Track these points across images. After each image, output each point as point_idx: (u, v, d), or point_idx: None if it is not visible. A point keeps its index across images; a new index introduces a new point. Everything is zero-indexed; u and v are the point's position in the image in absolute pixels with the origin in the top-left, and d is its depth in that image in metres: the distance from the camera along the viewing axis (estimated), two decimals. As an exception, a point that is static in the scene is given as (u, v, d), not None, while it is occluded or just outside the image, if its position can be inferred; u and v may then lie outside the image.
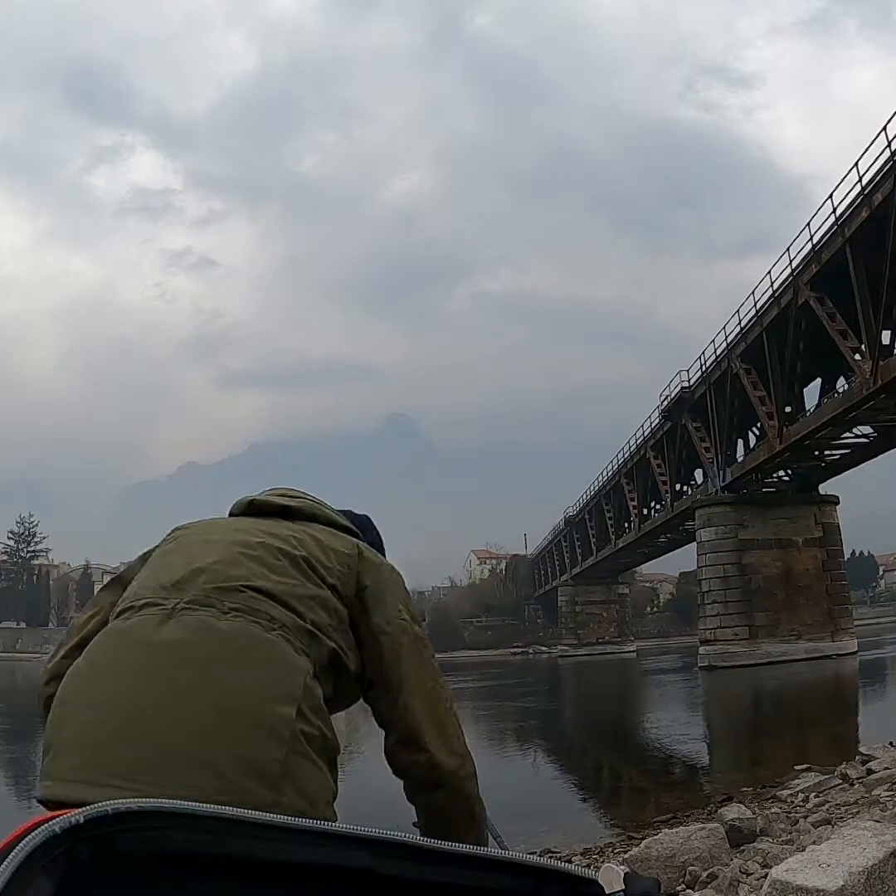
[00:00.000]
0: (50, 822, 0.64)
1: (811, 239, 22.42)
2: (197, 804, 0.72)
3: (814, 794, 7.67)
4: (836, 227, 20.92)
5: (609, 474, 46.25)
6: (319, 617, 1.15)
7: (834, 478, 31.28)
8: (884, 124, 18.63)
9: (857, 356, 20.94)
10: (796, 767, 9.41)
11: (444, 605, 79.08)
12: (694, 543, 32.18)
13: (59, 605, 79.59)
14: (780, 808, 7.38)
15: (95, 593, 1.39)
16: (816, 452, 28.20)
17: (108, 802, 0.68)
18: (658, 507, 39.50)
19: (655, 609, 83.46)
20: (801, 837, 5.44)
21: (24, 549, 79.32)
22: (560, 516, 62.70)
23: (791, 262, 23.49)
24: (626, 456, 41.78)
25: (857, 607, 42.64)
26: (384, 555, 1.43)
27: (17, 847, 0.62)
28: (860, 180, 19.84)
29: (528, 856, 0.85)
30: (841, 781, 7.90)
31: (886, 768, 7.76)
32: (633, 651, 58.09)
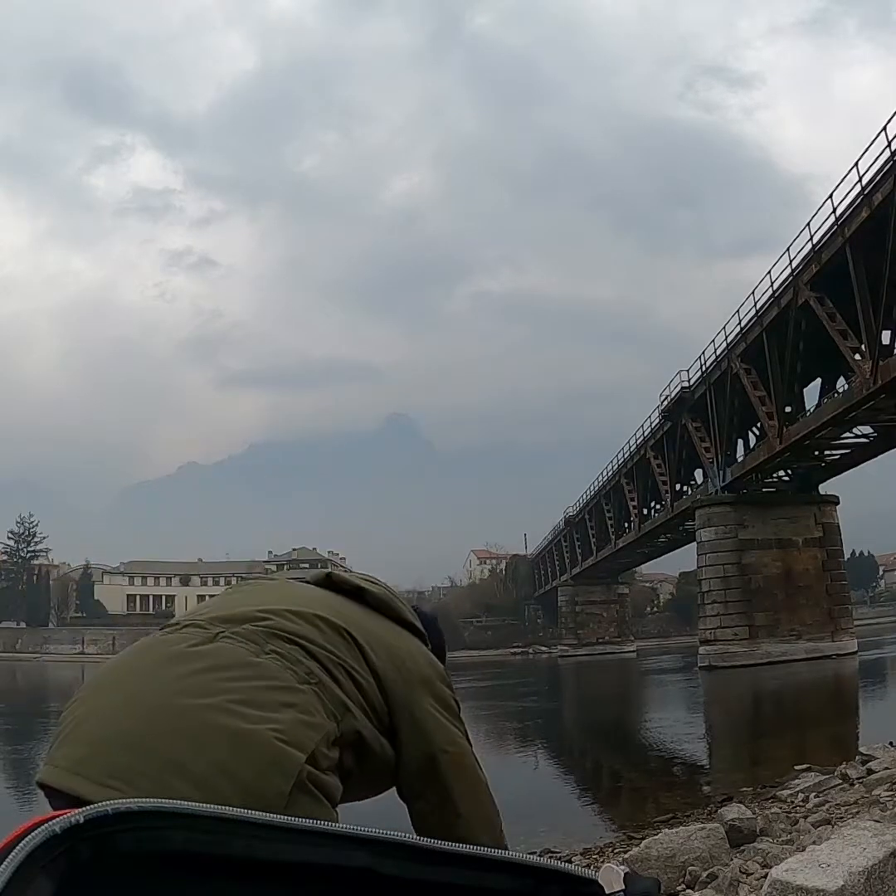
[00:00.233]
0: (50, 822, 0.64)
1: (811, 239, 22.42)
2: (197, 804, 0.72)
3: (814, 794, 7.67)
4: (836, 227, 20.92)
5: (609, 474, 46.26)
6: (356, 696, 1.14)
7: (834, 478, 31.29)
8: (884, 124, 18.66)
9: (857, 356, 20.94)
10: (796, 767, 9.41)
11: (444, 605, 79.01)
12: (694, 543, 32.19)
13: (59, 605, 79.56)
14: (780, 808, 7.38)
15: None
16: (816, 452, 28.19)
17: (108, 802, 0.68)
18: (658, 507, 39.49)
19: (655, 609, 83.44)
20: (801, 837, 5.44)
21: (24, 549, 79.26)
22: (560, 516, 62.79)
23: (791, 262, 23.51)
24: (626, 456, 41.80)
25: (857, 607, 42.64)
26: (445, 653, 1.46)
27: (18, 847, 0.62)
28: (860, 180, 19.84)
29: (528, 856, 0.85)
30: (841, 781, 7.90)
31: (886, 768, 7.76)
32: (633, 651, 58.09)
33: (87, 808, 0.67)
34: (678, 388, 32.58)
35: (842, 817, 6.08)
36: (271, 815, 0.75)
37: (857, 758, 8.65)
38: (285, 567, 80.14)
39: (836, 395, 24.65)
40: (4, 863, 0.61)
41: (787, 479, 31.62)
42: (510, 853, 0.84)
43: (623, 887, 0.81)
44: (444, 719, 1.25)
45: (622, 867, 0.84)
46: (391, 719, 1.19)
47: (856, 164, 19.89)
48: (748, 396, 26.99)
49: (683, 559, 48.98)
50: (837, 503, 31.34)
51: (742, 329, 27.17)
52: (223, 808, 0.72)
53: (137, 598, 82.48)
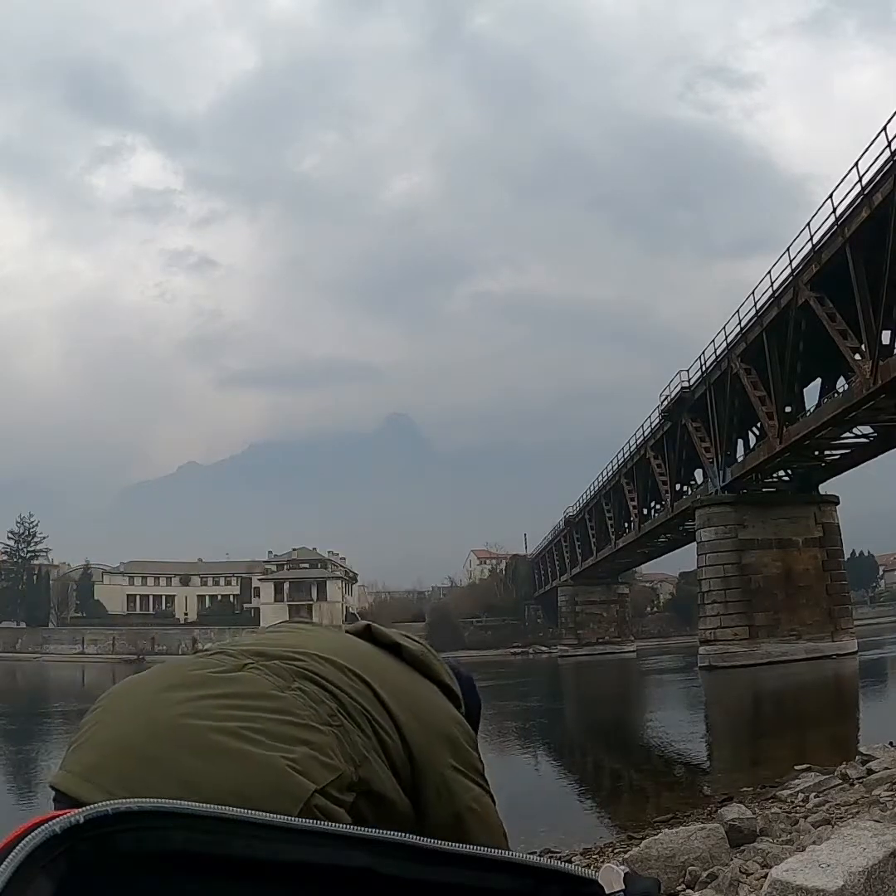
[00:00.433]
0: (50, 822, 0.64)
1: (811, 239, 22.42)
2: (197, 804, 0.72)
3: (814, 794, 7.67)
4: (836, 227, 20.91)
5: (609, 474, 46.25)
6: (377, 748, 1.14)
7: (834, 478, 31.27)
8: (884, 124, 18.66)
9: (857, 356, 20.93)
10: (796, 767, 9.41)
11: (444, 605, 79.14)
12: (694, 543, 32.18)
13: (59, 606, 79.49)
14: (780, 808, 7.38)
15: None
16: (816, 452, 28.18)
17: (108, 802, 0.68)
18: (658, 507, 39.48)
19: (655, 609, 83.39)
20: (801, 837, 5.44)
21: (24, 549, 79.21)
22: (560, 516, 62.79)
23: (791, 262, 23.51)
24: (626, 456, 41.79)
25: (857, 607, 42.64)
26: (479, 717, 1.45)
27: (18, 847, 0.62)
28: (860, 180, 19.84)
29: (528, 856, 0.85)
30: (841, 781, 7.90)
31: (886, 768, 7.76)
32: (633, 651, 58.08)
33: (87, 808, 0.67)
34: (678, 388, 32.57)
35: (842, 817, 6.08)
36: (271, 815, 0.75)
37: (857, 758, 8.65)
38: (285, 567, 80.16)
39: (836, 395, 24.64)
40: (4, 863, 0.61)
41: (787, 479, 31.62)
42: (510, 853, 0.84)
43: (623, 887, 0.81)
44: (467, 779, 1.25)
45: (622, 867, 0.84)
46: (414, 778, 1.19)
47: (856, 164, 19.91)
48: (748, 396, 26.98)
49: (683, 559, 49.00)
50: (837, 503, 31.34)
51: (742, 329, 27.16)
52: (223, 808, 0.72)
53: (137, 598, 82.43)
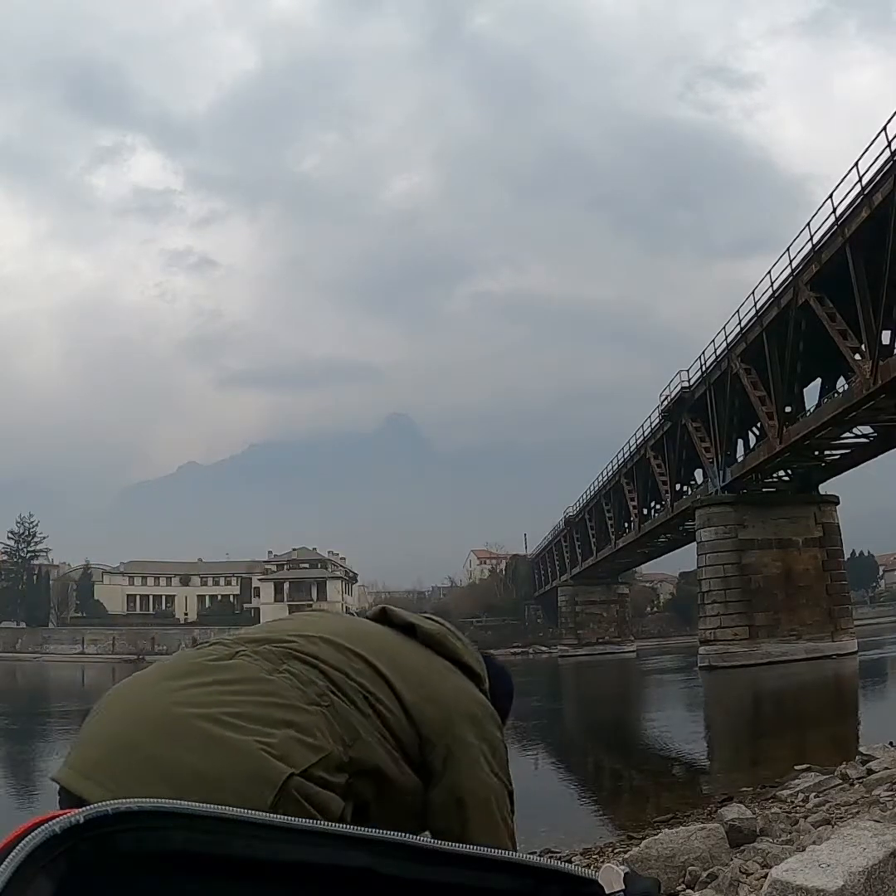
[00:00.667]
0: (50, 822, 0.64)
1: (811, 239, 22.41)
2: (197, 804, 0.72)
3: (814, 794, 7.66)
4: (836, 227, 20.91)
5: (609, 474, 46.25)
6: (376, 725, 1.13)
7: (834, 478, 31.27)
8: (884, 124, 18.65)
9: (857, 356, 20.93)
10: (796, 767, 9.40)
11: (444, 605, 78.98)
12: (694, 543, 32.18)
13: (59, 605, 79.47)
14: (780, 808, 7.38)
15: None
16: (816, 452, 28.18)
17: (108, 802, 0.68)
18: (658, 507, 39.49)
19: (655, 609, 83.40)
20: (801, 837, 5.44)
21: (24, 549, 79.17)
22: (560, 516, 62.76)
23: (791, 262, 23.50)
24: (626, 456, 41.78)
25: (857, 607, 42.65)
26: (509, 705, 1.43)
27: (18, 847, 0.62)
28: (860, 180, 19.83)
29: (528, 856, 0.85)
30: (841, 781, 7.90)
31: (886, 768, 7.75)
32: (633, 651, 58.08)
33: (87, 808, 0.67)
34: (678, 388, 32.57)
35: (842, 817, 6.08)
36: (271, 815, 0.75)
37: (857, 758, 8.65)
38: (285, 567, 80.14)
39: (836, 395, 24.64)
40: (4, 863, 0.61)
41: (787, 479, 31.61)
42: (510, 853, 0.84)
43: (623, 887, 0.82)
44: (483, 759, 1.22)
45: (622, 867, 0.84)
46: (423, 755, 1.18)
47: (856, 164, 19.91)
48: (748, 396, 26.98)
49: (683, 559, 49.00)
50: (837, 503, 31.33)
51: (742, 329, 27.16)
52: (223, 808, 0.72)
53: (137, 598, 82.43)
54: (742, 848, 5.36)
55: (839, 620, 29.71)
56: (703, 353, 30.77)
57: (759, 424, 28.57)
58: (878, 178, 19.12)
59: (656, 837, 5.54)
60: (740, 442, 31.62)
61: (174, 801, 0.71)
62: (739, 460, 30.58)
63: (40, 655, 66.73)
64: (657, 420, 35.49)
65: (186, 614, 79.41)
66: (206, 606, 79.85)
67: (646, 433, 37.48)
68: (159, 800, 0.71)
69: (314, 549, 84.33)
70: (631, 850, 5.89)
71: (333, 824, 0.76)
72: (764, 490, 31.60)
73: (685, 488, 36.54)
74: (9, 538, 78.88)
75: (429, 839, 0.80)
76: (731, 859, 5.07)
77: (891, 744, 9.31)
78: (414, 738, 1.17)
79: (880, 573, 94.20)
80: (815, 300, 22.06)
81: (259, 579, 78.25)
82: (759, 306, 25.90)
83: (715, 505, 30.48)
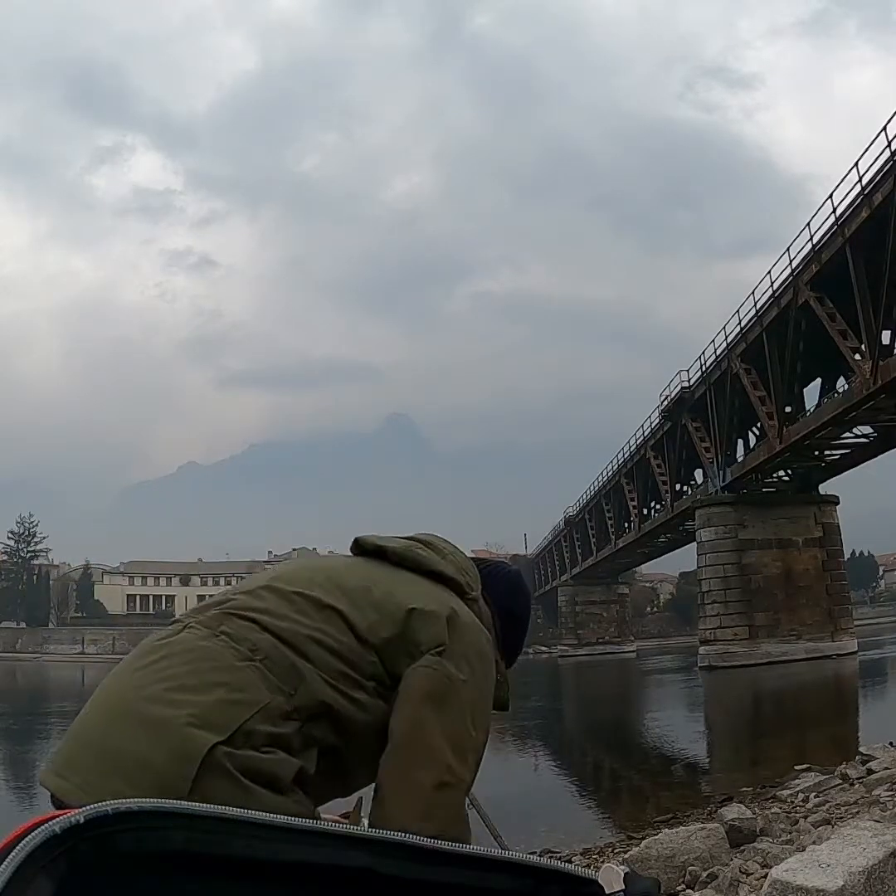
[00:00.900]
0: (50, 822, 0.64)
1: (811, 239, 22.41)
2: (197, 804, 0.72)
3: (814, 794, 7.66)
4: (836, 227, 20.91)
5: (609, 474, 46.24)
6: (322, 660, 1.10)
7: (834, 478, 31.28)
8: (884, 124, 18.65)
9: (857, 356, 20.93)
10: (796, 767, 9.40)
11: (444, 605, 79.06)
12: (694, 543, 32.18)
13: (59, 605, 79.51)
14: (780, 808, 7.38)
15: None
16: (816, 452, 28.18)
17: (108, 802, 0.68)
18: (658, 507, 39.48)
19: (655, 609, 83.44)
20: (801, 837, 5.43)
21: (24, 549, 79.21)
22: (560, 516, 62.79)
23: (791, 262, 23.50)
24: (626, 456, 41.78)
25: (857, 607, 42.65)
26: (515, 605, 1.37)
27: (18, 847, 0.62)
28: (860, 180, 19.83)
29: (528, 856, 0.85)
30: (841, 781, 7.90)
31: (886, 768, 7.75)
32: (633, 651, 58.07)
33: (88, 808, 0.67)
34: (678, 388, 32.57)
35: (842, 817, 6.08)
36: (271, 815, 0.75)
37: (857, 758, 8.64)
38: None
39: (836, 395, 24.64)
40: (4, 863, 0.61)
41: (787, 479, 31.60)
42: (510, 853, 0.84)
43: (623, 887, 0.82)
44: (434, 656, 1.14)
45: (622, 867, 0.84)
46: (392, 678, 1.14)
47: (856, 164, 19.91)
48: (748, 396, 26.98)
49: (683, 559, 48.99)
50: (837, 503, 31.33)
51: (742, 329, 27.16)
52: (223, 808, 0.72)
53: (137, 598, 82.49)
54: (742, 848, 5.36)
55: (839, 620, 29.71)
56: (703, 353, 30.79)
57: (759, 424, 28.57)
58: (878, 178, 19.12)
59: (656, 837, 5.54)
60: (740, 442, 31.62)
61: (174, 801, 0.72)
62: (739, 460, 30.58)
63: (40, 655, 66.72)
64: (657, 420, 35.49)
65: (186, 614, 79.36)
66: (207, 606, 79.78)
67: (646, 433, 37.48)
68: (160, 800, 0.71)
69: (314, 548, 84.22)
70: (631, 850, 5.88)
71: (333, 824, 0.76)
72: (764, 490, 31.59)
73: (685, 488, 36.54)
74: (9, 538, 79.00)
75: (429, 839, 0.79)
76: (731, 859, 5.07)
77: (891, 744, 9.31)
78: (377, 665, 1.13)
79: (880, 573, 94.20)
80: (815, 300, 22.06)
81: (259, 579, 78.16)
82: (759, 306, 25.90)
83: (715, 505, 30.47)
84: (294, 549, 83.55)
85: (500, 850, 0.83)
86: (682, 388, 32.26)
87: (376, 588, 1.20)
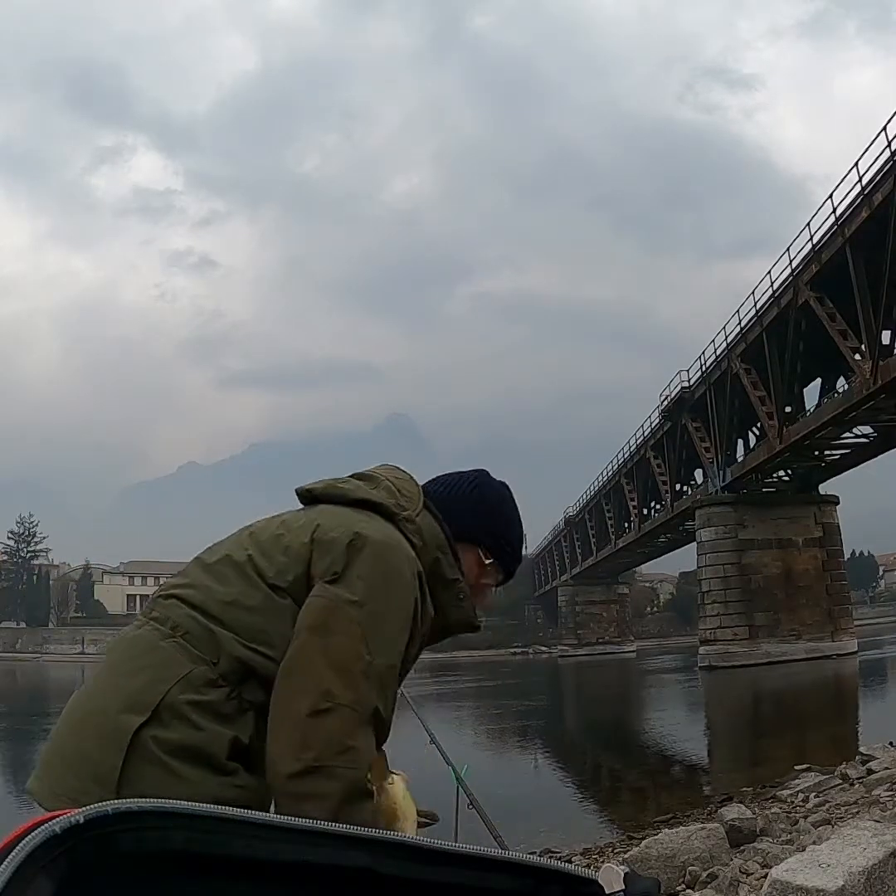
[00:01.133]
0: (50, 822, 0.64)
1: (811, 239, 22.41)
2: (197, 804, 0.72)
3: (814, 794, 7.66)
4: (836, 227, 20.91)
5: (609, 474, 46.24)
6: (238, 622, 1.10)
7: (834, 478, 31.29)
8: (884, 124, 18.66)
9: (857, 356, 20.93)
10: (796, 767, 9.40)
11: (444, 605, 79.04)
12: (694, 543, 32.18)
13: (59, 605, 79.53)
14: (780, 808, 7.38)
15: None
16: (816, 452, 28.18)
17: (108, 802, 0.68)
18: (658, 507, 39.49)
19: (655, 609, 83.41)
20: (801, 837, 5.44)
21: (24, 549, 79.24)
22: (560, 516, 62.75)
23: (791, 262, 23.50)
24: (626, 456, 41.78)
25: (857, 607, 42.61)
26: (474, 522, 1.32)
27: (18, 847, 0.62)
28: (860, 180, 19.84)
29: (528, 856, 0.85)
30: (841, 781, 7.90)
31: (886, 768, 7.75)
32: (633, 651, 58.08)
33: (88, 808, 0.67)
34: (678, 388, 32.57)
35: (842, 817, 6.08)
36: (272, 815, 0.75)
37: (857, 758, 8.65)
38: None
39: (836, 395, 24.64)
40: (4, 863, 0.61)
41: (787, 479, 31.61)
42: (510, 853, 0.84)
43: (623, 887, 0.82)
44: (326, 585, 1.11)
45: (622, 867, 0.84)
46: None
47: (856, 164, 19.92)
48: (748, 396, 26.98)
49: (683, 559, 49.00)
50: (837, 503, 31.34)
51: (742, 329, 27.15)
52: (223, 808, 0.72)
53: (137, 598, 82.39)
54: (742, 848, 5.36)
55: (839, 620, 29.71)
56: (703, 353, 30.79)
57: (759, 424, 28.57)
58: (878, 178, 19.12)
59: (656, 837, 5.54)
60: (740, 442, 31.63)
61: (174, 801, 0.71)
62: (739, 460, 30.58)
63: (40, 655, 66.75)
64: (657, 420, 35.49)
65: (186, 614, 79.46)
66: (206, 606, 79.88)
67: (646, 433, 37.48)
68: (160, 800, 0.71)
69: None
70: (631, 850, 5.88)
71: (333, 824, 0.76)
72: (764, 490, 31.60)
73: (685, 488, 36.54)
74: (9, 538, 79.02)
75: (429, 839, 0.80)
76: (731, 859, 5.07)
77: (891, 744, 9.31)
78: (293, 608, 1.12)
79: (880, 573, 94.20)
80: (815, 300, 22.06)
81: (259, 579, 78.23)
82: (759, 306, 25.90)
83: (715, 505, 30.47)
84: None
85: (500, 850, 0.83)
86: (682, 388, 32.26)
87: (289, 532, 1.20)
